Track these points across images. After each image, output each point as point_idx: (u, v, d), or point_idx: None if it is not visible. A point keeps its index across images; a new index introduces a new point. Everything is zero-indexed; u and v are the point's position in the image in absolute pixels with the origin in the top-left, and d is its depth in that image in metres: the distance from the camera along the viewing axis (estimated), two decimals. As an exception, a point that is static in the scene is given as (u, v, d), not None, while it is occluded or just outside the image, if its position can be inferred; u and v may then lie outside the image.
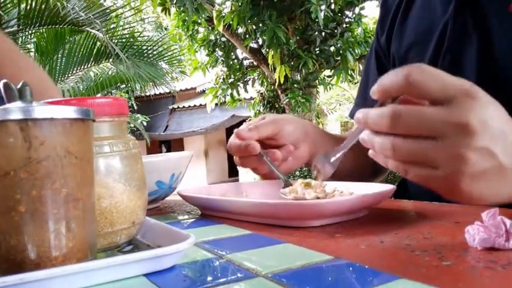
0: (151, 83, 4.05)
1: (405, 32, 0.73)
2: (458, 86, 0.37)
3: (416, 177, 0.39)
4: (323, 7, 4.86)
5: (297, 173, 5.15)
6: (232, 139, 0.64)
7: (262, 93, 6.31)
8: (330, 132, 0.86)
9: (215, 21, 5.09)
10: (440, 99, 0.36)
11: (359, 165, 0.81)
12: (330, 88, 6.16)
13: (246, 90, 6.28)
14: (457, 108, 0.36)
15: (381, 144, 0.39)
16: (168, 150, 9.85)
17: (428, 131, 0.36)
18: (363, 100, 0.87)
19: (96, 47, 3.72)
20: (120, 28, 3.88)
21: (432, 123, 0.36)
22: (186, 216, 0.55)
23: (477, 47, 0.60)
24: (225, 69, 6.13)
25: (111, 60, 3.78)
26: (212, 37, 5.95)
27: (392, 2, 0.78)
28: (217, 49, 5.99)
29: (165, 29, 9.92)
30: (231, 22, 4.95)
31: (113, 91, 6.19)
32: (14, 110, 0.28)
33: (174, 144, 10.25)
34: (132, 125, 6.40)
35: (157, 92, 6.74)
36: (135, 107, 8.48)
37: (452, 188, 0.38)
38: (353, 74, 5.63)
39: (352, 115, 0.89)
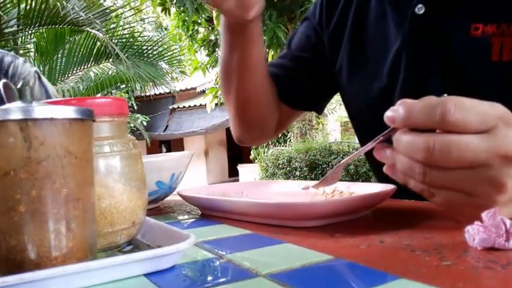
0: (151, 83, 4.05)
1: (360, 48, 0.69)
2: (496, 114, 0.34)
3: (445, 202, 0.36)
4: (323, 7, 4.86)
5: (297, 173, 5.15)
6: None
7: (262, 93, 6.30)
8: None
9: (215, 21, 5.10)
10: (479, 131, 0.33)
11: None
12: (329, 88, 6.15)
13: (246, 90, 6.27)
14: (500, 138, 0.33)
15: (407, 167, 0.35)
16: (168, 150, 9.85)
17: (470, 163, 0.33)
18: (277, 64, 0.80)
19: (96, 47, 3.72)
20: (120, 28, 3.89)
21: (475, 156, 0.33)
22: (186, 216, 0.55)
23: (442, 76, 0.57)
24: (225, 69, 6.13)
25: (111, 60, 3.78)
26: (212, 37, 5.95)
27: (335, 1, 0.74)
28: (217, 49, 5.99)
29: (165, 29, 9.92)
30: (231, 22, 4.95)
31: (113, 91, 6.19)
32: (14, 110, 0.28)
33: (174, 144, 10.25)
34: (132, 125, 6.40)
35: (157, 92, 6.74)
36: (135, 107, 8.48)
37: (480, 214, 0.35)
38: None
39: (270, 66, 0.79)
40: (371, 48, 0.68)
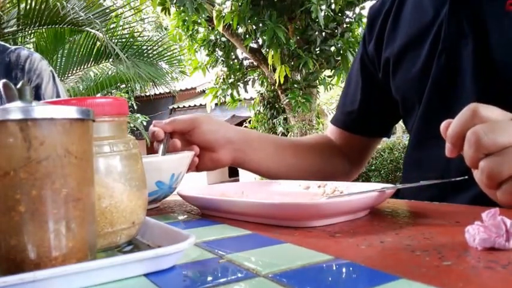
0: (151, 83, 4.05)
1: (397, 36, 0.73)
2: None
3: None
4: (323, 7, 4.86)
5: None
6: (150, 126, 0.70)
7: (262, 94, 6.31)
8: (280, 137, 0.88)
9: (215, 21, 5.09)
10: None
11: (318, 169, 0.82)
12: (330, 88, 6.16)
13: (246, 91, 6.28)
14: None
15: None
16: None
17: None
18: (343, 105, 0.88)
19: (96, 47, 3.72)
20: (120, 28, 3.88)
21: None
22: (186, 216, 0.55)
23: (473, 47, 0.60)
24: (225, 69, 6.13)
25: (111, 60, 3.78)
26: (212, 37, 5.95)
27: (378, 11, 0.79)
28: (217, 49, 5.99)
29: (165, 29, 9.91)
30: (231, 22, 4.95)
31: (113, 91, 6.19)
32: (14, 110, 0.28)
33: (174, 144, 10.22)
34: (132, 125, 6.40)
35: (157, 92, 6.73)
36: (135, 107, 8.47)
37: None
38: (353, 74, 5.63)
39: (334, 120, 0.89)
40: (410, 33, 0.71)
